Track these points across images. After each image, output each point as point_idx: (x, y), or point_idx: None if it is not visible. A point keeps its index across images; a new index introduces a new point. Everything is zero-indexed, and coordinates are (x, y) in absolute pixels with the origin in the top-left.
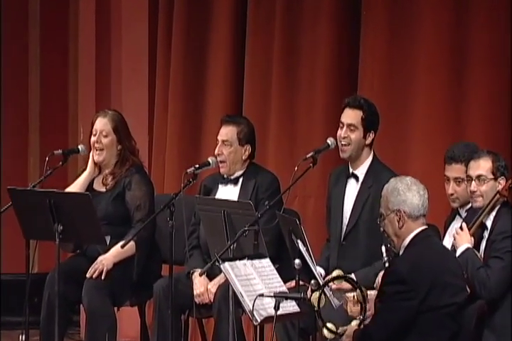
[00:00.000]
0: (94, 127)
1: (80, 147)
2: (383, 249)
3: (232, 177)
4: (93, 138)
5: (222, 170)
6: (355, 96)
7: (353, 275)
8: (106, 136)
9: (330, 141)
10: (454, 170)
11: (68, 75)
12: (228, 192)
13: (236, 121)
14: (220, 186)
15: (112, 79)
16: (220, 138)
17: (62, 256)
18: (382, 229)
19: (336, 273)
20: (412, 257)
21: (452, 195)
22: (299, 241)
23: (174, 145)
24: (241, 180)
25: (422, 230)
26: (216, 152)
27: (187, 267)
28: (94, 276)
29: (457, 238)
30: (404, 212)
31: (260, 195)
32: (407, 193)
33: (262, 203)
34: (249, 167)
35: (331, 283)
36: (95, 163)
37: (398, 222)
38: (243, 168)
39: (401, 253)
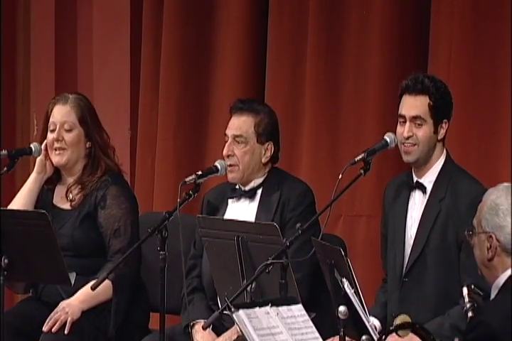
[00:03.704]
0: (52, 119)
1: (32, 146)
2: (465, 290)
3: (247, 189)
4: (51, 136)
5: (231, 177)
6: (416, 75)
7: None
8: (70, 131)
9: (389, 137)
10: None
11: (16, 45)
12: (242, 210)
13: (253, 109)
14: (230, 201)
15: (78, 49)
16: (229, 132)
17: (7, 300)
18: (472, 244)
19: (401, 319)
20: (508, 304)
21: None
22: (344, 279)
23: (167, 144)
24: (260, 192)
25: None
26: (225, 152)
27: (185, 317)
28: (53, 330)
29: None
30: (498, 241)
31: (288, 213)
32: (508, 218)
33: (291, 225)
34: (272, 174)
35: (392, 334)
36: (54, 166)
37: (488, 250)
38: (263, 176)
39: (492, 296)
